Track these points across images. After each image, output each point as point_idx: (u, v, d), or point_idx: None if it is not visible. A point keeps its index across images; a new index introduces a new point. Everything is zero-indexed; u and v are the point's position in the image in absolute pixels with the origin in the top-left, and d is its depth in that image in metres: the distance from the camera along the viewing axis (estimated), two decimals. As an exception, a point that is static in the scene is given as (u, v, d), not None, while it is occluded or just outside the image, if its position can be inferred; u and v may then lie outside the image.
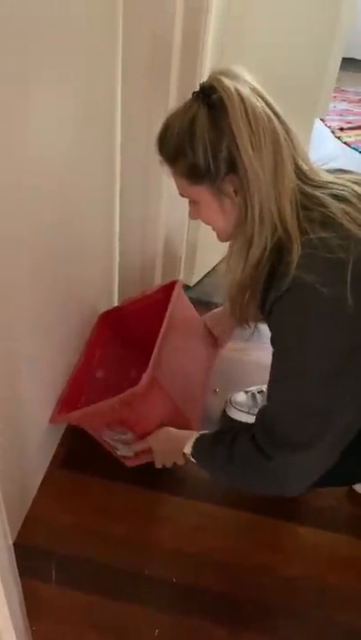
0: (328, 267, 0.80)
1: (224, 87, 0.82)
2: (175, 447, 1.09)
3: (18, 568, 0.95)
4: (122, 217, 1.41)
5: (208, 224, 0.98)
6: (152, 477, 1.24)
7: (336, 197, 0.86)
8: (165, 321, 1.18)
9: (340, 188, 0.88)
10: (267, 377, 0.93)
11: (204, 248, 1.82)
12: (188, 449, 1.05)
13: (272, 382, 0.93)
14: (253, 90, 0.84)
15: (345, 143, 3.30)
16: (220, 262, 1.75)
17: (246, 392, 1.46)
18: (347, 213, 0.83)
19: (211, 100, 0.83)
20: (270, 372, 0.92)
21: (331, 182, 0.89)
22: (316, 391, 0.85)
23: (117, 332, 1.42)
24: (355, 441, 0.90)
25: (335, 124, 3.52)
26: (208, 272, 1.97)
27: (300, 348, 0.84)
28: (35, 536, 1.14)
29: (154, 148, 0.93)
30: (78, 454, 1.31)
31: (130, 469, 1.23)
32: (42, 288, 1.04)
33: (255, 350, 1.59)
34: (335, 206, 0.84)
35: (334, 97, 3.87)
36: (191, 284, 1.91)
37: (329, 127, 3.48)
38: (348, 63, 4.19)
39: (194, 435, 1.07)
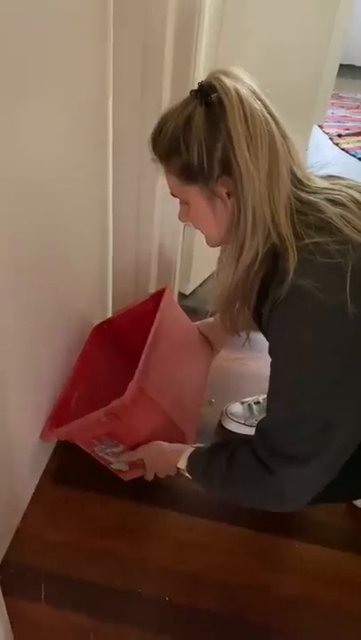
0: (326, 272, 0.78)
1: (224, 87, 0.80)
2: (168, 461, 1.06)
3: (6, 586, 0.92)
4: (115, 227, 1.39)
5: (198, 227, 0.95)
6: (147, 492, 1.21)
7: (332, 202, 0.84)
8: (153, 330, 1.15)
9: (336, 193, 0.85)
10: (263, 387, 0.90)
11: (199, 256, 1.80)
12: (182, 464, 1.03)
13: (271, 395, 0.89)
14: (253, 92, 0.81)
15: (343, 150, 3.28)
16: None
17: (242, 403, 1.43)
18: (343, 217, 0.81)
19: (209, 99, 0.80)
20: (269, 383, 0.88)
21: (326, 188, 0.87)
22: (316, 403, 0.81)
23: (110, 344, 1.39)
24: (355, 455, 0.87)
25: (333, 131, 3.50)
26: (204, 280, 1.95)
27: (300, 358, 0.81)
28: (24, 553, 1.10)
29: (146, 157, 0.91)
30: (70, 468, 1.27)
31: (124, 483, 1.20)
32: (29, 302, 1.00)
33: (251, 360, 1.57)
34: (331, 211, 0.82)
35: (332, 103, 3.87)
36: (187, 293, 1.89)
37: (327, 134, 3.47)
38: (347, 69, 4.19)
39: (188, 449, 1.04)
